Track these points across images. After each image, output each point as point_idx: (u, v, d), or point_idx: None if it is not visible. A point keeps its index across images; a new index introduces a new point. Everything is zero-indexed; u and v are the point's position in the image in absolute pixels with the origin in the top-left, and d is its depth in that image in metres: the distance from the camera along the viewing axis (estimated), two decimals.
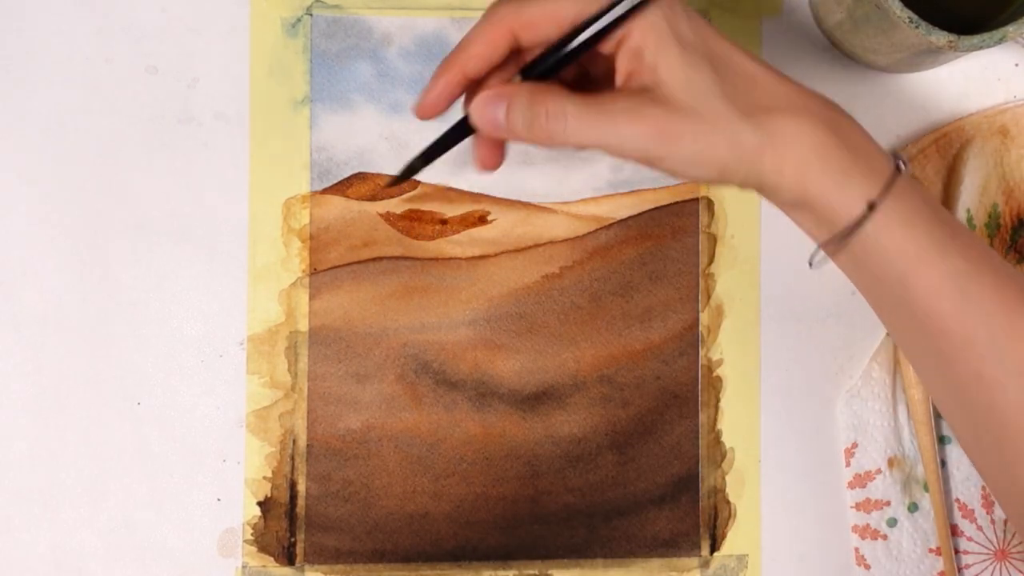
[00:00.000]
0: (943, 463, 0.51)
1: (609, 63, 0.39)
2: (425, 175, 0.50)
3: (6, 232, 0.49)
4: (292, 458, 0.50)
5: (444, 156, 0.47)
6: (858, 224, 0.38)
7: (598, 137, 0.38)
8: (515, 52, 0.40)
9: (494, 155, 0.42)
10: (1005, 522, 0.51)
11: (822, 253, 0.40)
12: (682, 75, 0.37)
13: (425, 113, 0.41)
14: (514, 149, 0.51)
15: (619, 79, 0.39)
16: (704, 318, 0.51)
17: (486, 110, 0.39)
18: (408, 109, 0.50)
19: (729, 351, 0.51)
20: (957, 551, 0.51)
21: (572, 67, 0.40)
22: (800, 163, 0.38)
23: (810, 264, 0.40)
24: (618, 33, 0.38)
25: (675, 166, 0.38)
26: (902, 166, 0.39)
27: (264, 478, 0.50)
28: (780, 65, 0.51)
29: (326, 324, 0.50)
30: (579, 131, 0.38)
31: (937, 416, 0.51)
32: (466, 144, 0.50)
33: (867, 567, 0.51)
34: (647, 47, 0.38)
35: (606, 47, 0.39)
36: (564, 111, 0.38)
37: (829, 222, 0.39)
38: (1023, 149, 0.51)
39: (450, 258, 0.50)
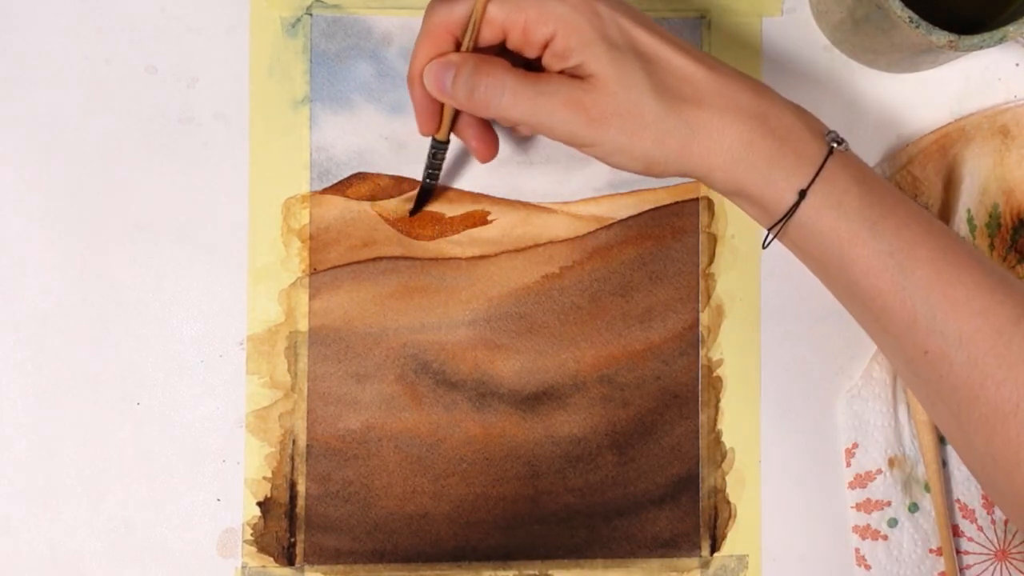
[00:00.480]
0: (944, 463, 0.51)
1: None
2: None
3: (6, 232, 0.49)
4: (292, 458, 0.50)
5: (445, 155, 0.48)
6: (790, 213, 0.40)
7: (531, 115, 0.40)
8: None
9: (486, 146, 0.46)
10: (1006, 522, 0.51)
11: (771, 235, 0.41)
12: (612, 71, 0.39)
13: (425, 131, 0.45)
14: (513, 148, 0.51)
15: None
16: (704, 318, 0.51)
17: (436, 75, 0.41)
18: (408, 109, 0.50)
19: (729, 351, 0.51)
20: (958, 551, 0.51)
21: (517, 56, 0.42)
22: (727, 157, 0.40)
23: (763, 246, 0.42)
24: (541, 37, 0.40)
25: (601, 154, 0.41)
26: (835, 146, 0.40)
27: (264, 478, 0.50)
28: (780, 65, 0.51)
29: (326, 324, 0.50)
30: (514, 106, 0.40)
31: None
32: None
33: (867, 567, 0.51)
34: (572, 50, 0.39)
35: (531, 51, 0.41)
36: (503, 85, 0.40)
37: (765, 210, 0.41)
38: (1023, 149, 0.51)
39: (450, 258, 0.50)
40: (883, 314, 0.40)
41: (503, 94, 0.40)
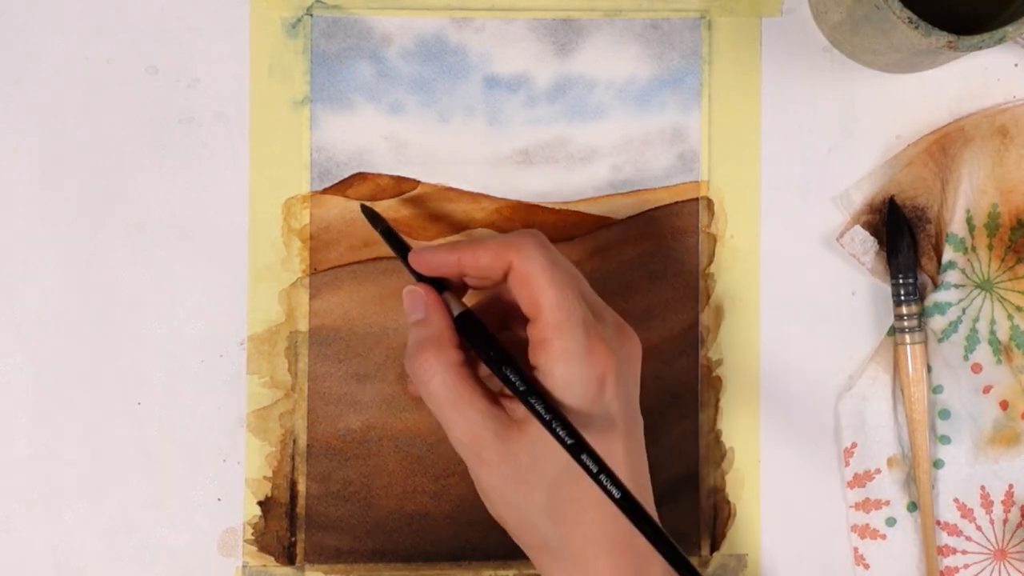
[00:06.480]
0: (943, 463, 0.51)
1: None
2: (425, 175, 0.50)
3: (6, 232, 0.49)
4: (292, 458, 0.50)
5: (445, 155, 0.49)
6: None
7: (439, 416, 0.41)
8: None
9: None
10: (1004, 522, 0.51)
11: None
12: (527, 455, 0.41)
13: (418, 267, 0.43)
14: (513, 148, 0.51)
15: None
16: (704, 318, 0.51)
17: (408, 305, 0.43)
18: (408, 109, 0.50)
19: (729, 351, 0.51)
20: (954, 551, 0.51)
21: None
22: None
23: None
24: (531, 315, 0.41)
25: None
26: None
27: (264, 478, 0.50)
28: (780, 65, 0.51)
29: (326, 324, 0.50)
30: (431, 400, 0.41)
31: (934, 416, 0.51)
32: (466, 146, 0.51)
33: (866, 567, 0.51)
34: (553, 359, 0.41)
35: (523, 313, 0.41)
36: (431, 377, 0.41)
37: None
38: (1023, 149, 0.51)
39: None
40: None
41: (427, 387, 0.41)
